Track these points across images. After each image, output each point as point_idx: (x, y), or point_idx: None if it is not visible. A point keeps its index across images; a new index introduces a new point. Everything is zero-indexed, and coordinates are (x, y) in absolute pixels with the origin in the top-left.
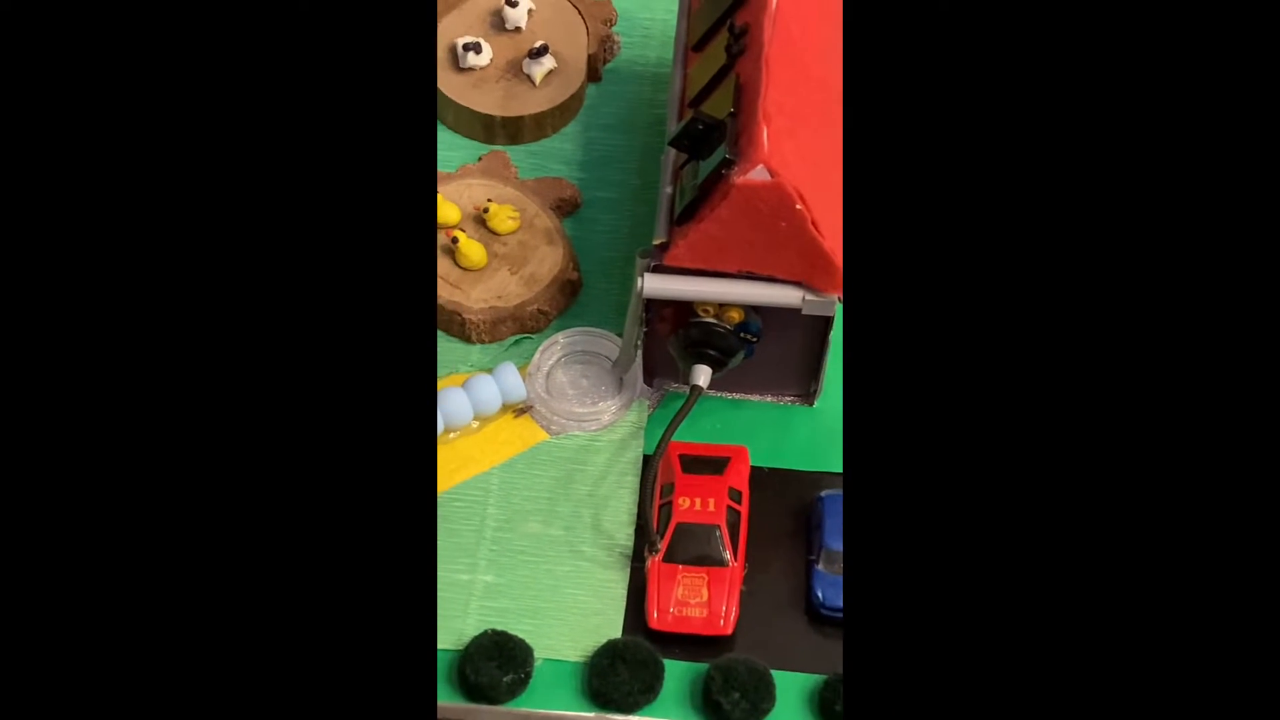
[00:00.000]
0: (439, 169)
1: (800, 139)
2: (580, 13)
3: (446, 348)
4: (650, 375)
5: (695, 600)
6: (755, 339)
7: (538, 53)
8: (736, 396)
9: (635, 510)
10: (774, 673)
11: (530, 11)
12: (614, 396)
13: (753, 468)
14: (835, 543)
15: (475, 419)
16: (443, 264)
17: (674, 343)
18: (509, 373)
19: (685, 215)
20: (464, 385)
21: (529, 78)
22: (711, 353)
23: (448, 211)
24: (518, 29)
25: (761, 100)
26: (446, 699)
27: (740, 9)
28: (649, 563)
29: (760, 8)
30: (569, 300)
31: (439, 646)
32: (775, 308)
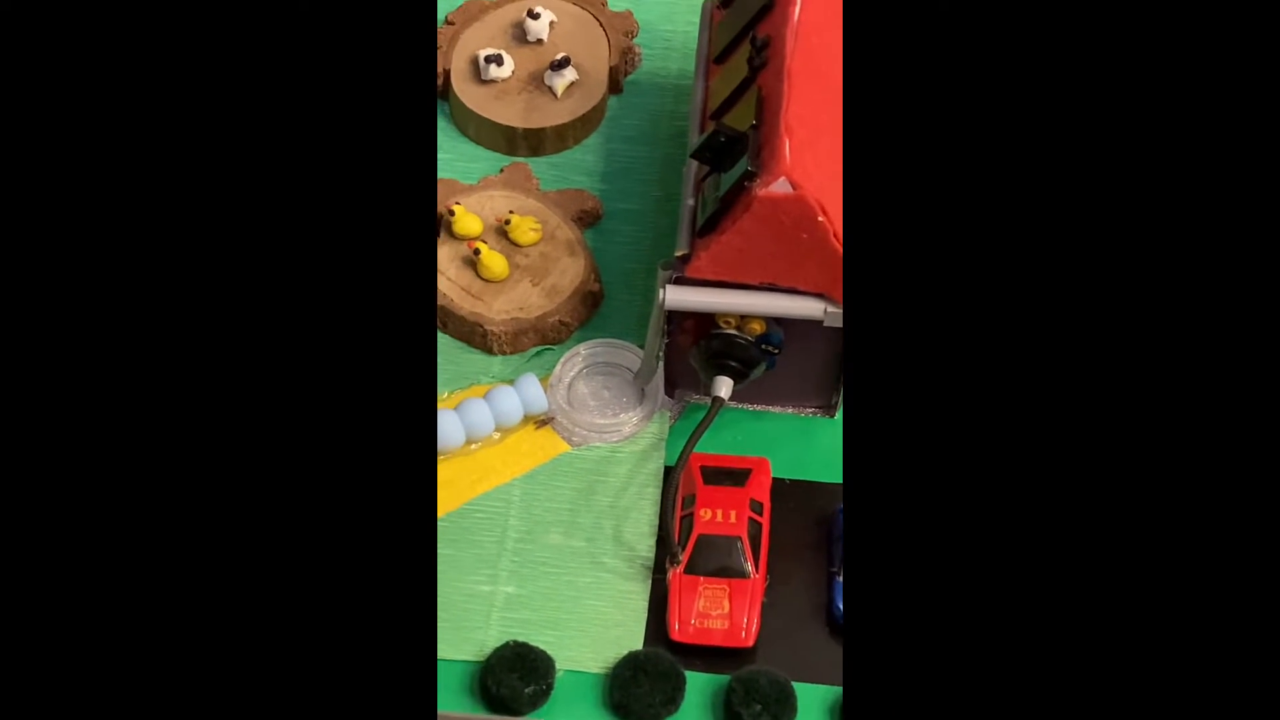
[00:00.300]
0: (461, 181)
1: (822, 151)
2: (602, 25)
3: (468, 359)
4: (671, 387)
5: (717, 612)
6: (777, 351)
7: (559, 65)
8: (758, 408)
9: (656, 522)
10: (795, 684)
11: (552, 24)
12: (635, 408)
13: (774, 479)
14: None
15: (497, 430)
16: (465, 275)
17: (695, 354)
18: (531, 384)
19: (707, 227)
20: (485, 396)
21: (551, 90)
22: (733, 364)
23: (469, 223)
24: (539, 41)
25: (783, 113)
26: (467, 710)
27: (762, 21)
28: (670, 574)
29: (782, 20)
30: (590, 312)
31: (460, 658)
32: (797, 319)
